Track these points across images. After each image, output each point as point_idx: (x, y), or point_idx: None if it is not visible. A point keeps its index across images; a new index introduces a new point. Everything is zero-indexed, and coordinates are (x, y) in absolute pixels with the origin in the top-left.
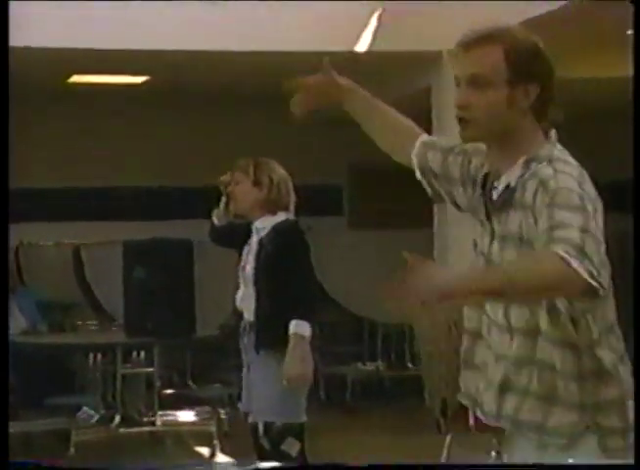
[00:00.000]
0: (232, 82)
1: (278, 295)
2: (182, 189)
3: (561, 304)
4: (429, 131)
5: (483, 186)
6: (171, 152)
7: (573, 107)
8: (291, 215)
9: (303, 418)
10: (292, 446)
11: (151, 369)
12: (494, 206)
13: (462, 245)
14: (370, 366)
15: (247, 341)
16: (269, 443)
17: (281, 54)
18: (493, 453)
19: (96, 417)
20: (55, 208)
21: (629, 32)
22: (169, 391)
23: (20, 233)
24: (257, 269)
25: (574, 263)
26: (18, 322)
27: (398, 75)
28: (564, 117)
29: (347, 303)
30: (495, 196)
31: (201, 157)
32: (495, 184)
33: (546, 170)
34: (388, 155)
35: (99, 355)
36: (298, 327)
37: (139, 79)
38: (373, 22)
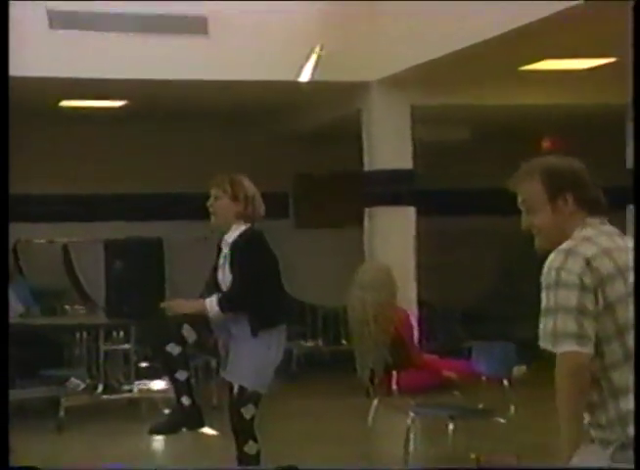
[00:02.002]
0: (196, 107)
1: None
2: (154, 195)
3: None
4: (360, 146)
5: None
6: (145, 164)
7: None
8: (258, 215)
9: (266, 390)
10: (248, 411)
11: (128, 346)
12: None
13: (385, 240)
14: (311, 343)
15: (232, 325)
16: (234, 404)
17: (237, 83)
18: (411, 414)
19: (82, 386)
20: (47, 211)
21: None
22: (144, 364)
23: (18, 232)
24: (238, 270)
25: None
26: (15, 307)
27: (334, 101)
28: (470, 135)
29: (293, 291)
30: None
31: (170, 168)
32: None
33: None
34: (327, 166)
35: (84, 334)
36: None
37: (118, 103)
38: (313, 56)
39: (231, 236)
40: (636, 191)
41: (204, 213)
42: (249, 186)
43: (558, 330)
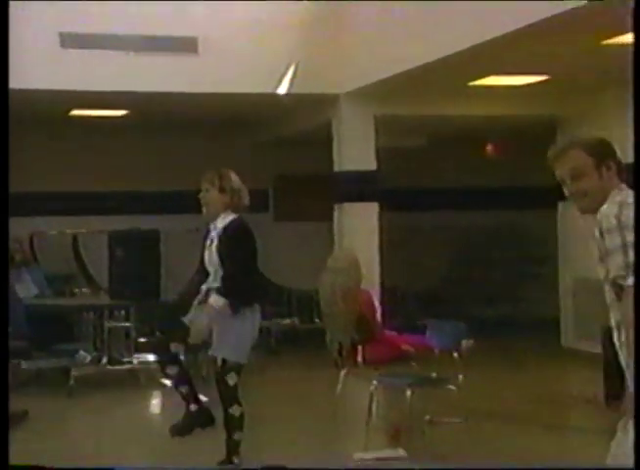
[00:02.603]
0: (188, 115)
1: (238, 271)
2: (151, 192)
3: None
4: (330, 150)
5: None
6: (143, 165)
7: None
8: (244, 205)
9: (245, 361)
10: (232, 379)
11: (129, 324)
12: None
13: (352, 231)
14: (288, 321)
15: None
16: (218, 374)
17: (223, 95)
18: (374, 382)
19: (89, 358)
20: (59, 206)
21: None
22: (142, 339)
23: (33, 225)
24: (220, 251)
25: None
26: (31, 290)
27: (308, 111)
28: (422, 139)
29: (273, 275)
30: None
31: (165, 169)
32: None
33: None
34: (302, 168)
35: (91, 314)
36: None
37: (121, 112)
38: (290, 71)
39: (220, 223)
40: (636, 190)
41: (195, 208)
42: (235, 179)
43: (629, 263)
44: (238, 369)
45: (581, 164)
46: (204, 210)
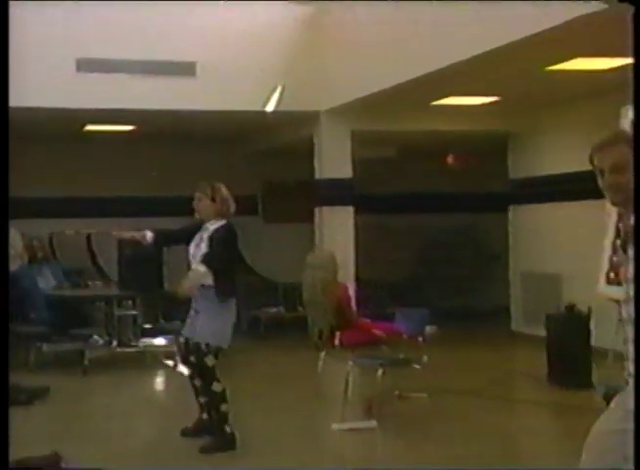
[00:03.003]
0: (187, 130)
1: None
2: (154, 197)
3: None
4: (312, 160)
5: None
6: (148, 174)
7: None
8: (230, 214)
9: (226, 345)
10: (210, 361)
11: (135, 312)
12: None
13: (331, 231)
14: (275, 310)
15: (198, 295)
16: (198, 356)
17: (219, 112)
18: (350, 362)
19: (101, 342)
20: (75, 209)
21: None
22: (148, 325)
23: (52, 226)
24: (209, 249)
25: None
26: (50, 282)
27: (292, 126)
28: (392, 151)
29: (261, 270)
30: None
31: (167, 178)
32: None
33: None
34: (287, 175)
35: (102, 303)
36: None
37: (128, 127)
38: (276, 92)
39: (211, 226)
40: (637, 193)
41: (191, 212)
42: (224, 191)
43: None
44: (217, 352)
45: (623, 159)
46: (196, 215)
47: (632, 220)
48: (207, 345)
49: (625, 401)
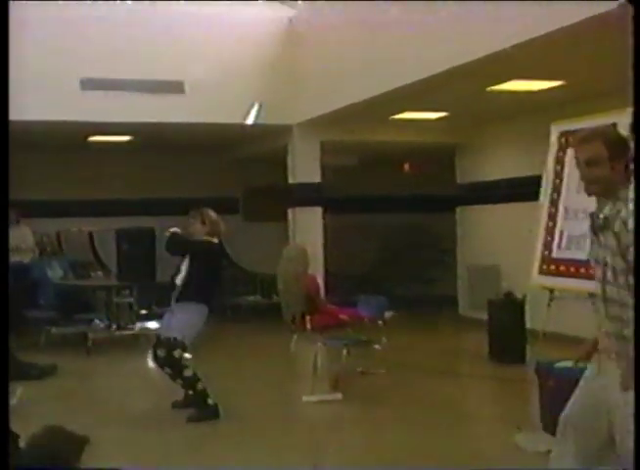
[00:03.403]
0: (177, 140)
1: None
2: (149, 199)
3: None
4: (286, 167)
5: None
6: (144, 178)
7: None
8: (218, 233)
9: (189, 342)
10: (177, 353)
11: (132, 299)
12: (599, 227)
13: (302, 229)
14: (254, 298)
15: (174, 297)
16: (166, 348)
17: (205, 124)
18: (318, 343)
19: (102, 325)
20: (79, 210)
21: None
22: (142, 311)
23: (59, 224)
24: (195, 265)
25: None
26: (58, 273)
27: (269, 137)
28: (355, 159)
29: (242, 263)
30: (599, 222)
31: (160, 181)
32: (599, 215)
33: (623, 211)
34: (264, 180)
35: (103, 291)
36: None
37: (126, 138)
38: (255, 107)
39: (197, 240)
40: (636, 190)
41: (182, 211)
42: (212, 215)
43: None
44: (183, 348)
45: (598, 155)
46: (185, 231)
47: (608, 213)
48: (175, 339)
49: (596, 377)
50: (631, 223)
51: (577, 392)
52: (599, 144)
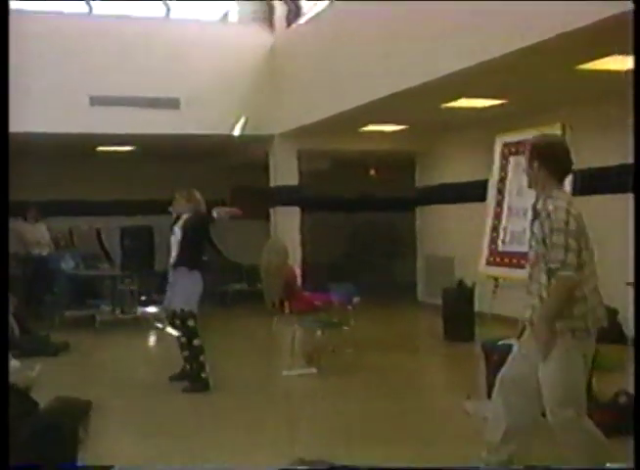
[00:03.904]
0: (174, 149)
1: (190, 246)
2: (149, 200)
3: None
4: (268, 172)
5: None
6: (144, 183)
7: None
8: (201, 211)
9: (195, 309)
10: (190, 322)
11: (134, 287)
12: (532, 218)
13: (282, 226)
14: (239, 286)
15: (172, 271)
16: (180, 320)
17: (197, 136)
18: (296, 325)
19: (108, 309)
20: (88, 210)
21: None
22: (143, 297)
23: (72, 222)
24: (183, 235)
25: (565, 273)
26: (70, 264)
27: (253, 146)
28: (328, 165)
29: (229, 255)
30: (533, 214)
31: (158, 185)
32: (536, 208)
33: (550, 206)
34: (249, 183)
35: (109, 280)
36: None
37: (129, 148)
38: (241, 120)
39: (183, 218)
40: (636, 190)
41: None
42: (196, 194)
43: (565, 261)
44: (193, 315)
45: (527, 155)
46: (171, 208)
47: (538, 206)
48: (182, 310)
49: (522, 350)
50: (559, 215)
51: (510, 357)
52: (529, 146)
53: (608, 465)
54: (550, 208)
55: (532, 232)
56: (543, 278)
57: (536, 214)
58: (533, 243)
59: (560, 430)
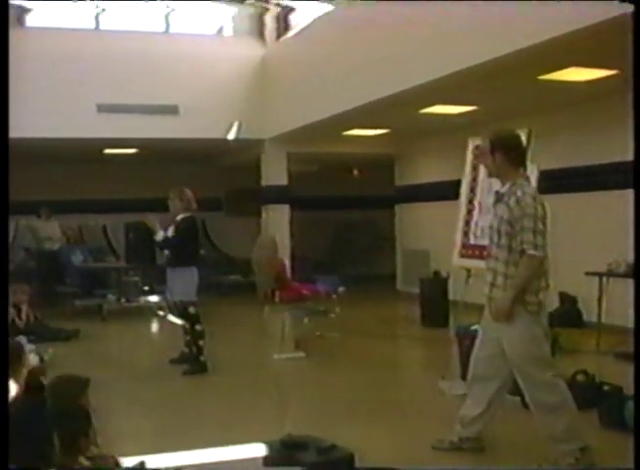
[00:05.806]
0: (173, 152)
1: (184, 245)
2: (151, 198)
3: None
4: (259, 173)
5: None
6: (147, 182)
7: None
8: (192, 212)
9: (194, 298)
10: (191, 310)
11: (137, 278)
12: (495, 201)
13: (273, 222)
14: (234, 277)
15: (169, 266)
16: (181, 308)
17: (194, 140)
18: (285, 313)
19: (114, 299)
20: (95, 207)
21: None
22: (146, 288)
23: (80, 219)
24: (178, 237)
25: (534, 253)
26: (79, 258)
27: (246, 149)
28: (315, 166)
29: (223, 248)
30: (496, 197)
31: (160, 184)
32: (499, 192)
33: (519, 192)
34: (242, 183)
35: (115, 272)
36: None
37: (133, 151)
38: (235, 125)
39: (178, 218)
40: (636, 188)
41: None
42: (189, 193)
43: (534, 241)
44: (193, 304)
45: (484, 146)
46: (170, 208)
47: (503, 191)
48: (182, 301)
49: (486, 332)
50: (527, 200)
51: (477, 340)
52: (486, 141)
53: (608, 465)
54: (519, 194)
55: (495, 213)
56: (502, 254)
57: (500, 197)
58: (495, 223)
59: (543, 392)
